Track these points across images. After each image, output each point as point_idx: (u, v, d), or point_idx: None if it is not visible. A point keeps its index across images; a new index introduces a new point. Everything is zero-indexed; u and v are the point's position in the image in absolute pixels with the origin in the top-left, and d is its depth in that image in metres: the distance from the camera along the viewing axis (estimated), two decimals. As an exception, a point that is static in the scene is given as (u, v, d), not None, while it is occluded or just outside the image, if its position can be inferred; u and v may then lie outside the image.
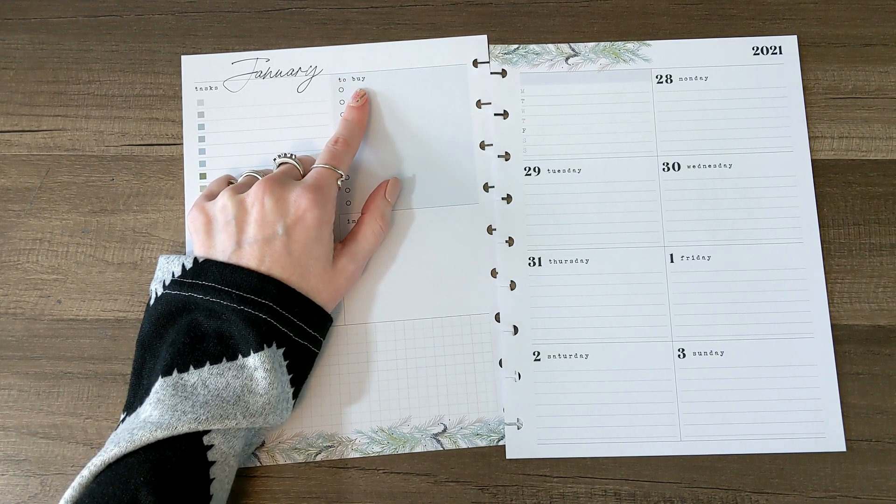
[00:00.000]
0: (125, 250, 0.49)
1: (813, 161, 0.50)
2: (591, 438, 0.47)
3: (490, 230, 0.49)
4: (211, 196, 0.46)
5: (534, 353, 0.48)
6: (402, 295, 0.49)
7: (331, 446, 0.47)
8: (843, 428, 0.46)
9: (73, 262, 0.49)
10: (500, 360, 0.48)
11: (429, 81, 0.51)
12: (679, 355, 0.47)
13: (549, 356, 0.48)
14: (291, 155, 0.47)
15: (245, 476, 0.46)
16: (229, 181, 0.48)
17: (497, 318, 0.48)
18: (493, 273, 0.49)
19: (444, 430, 0.47)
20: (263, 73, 0.51)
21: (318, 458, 0.46)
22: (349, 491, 0.46)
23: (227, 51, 0.52)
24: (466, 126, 0.51)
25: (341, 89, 0.51)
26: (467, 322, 0.48)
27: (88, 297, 0.49)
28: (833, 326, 0.48)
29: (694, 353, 0.47)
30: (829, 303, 0.48)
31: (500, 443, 0.47)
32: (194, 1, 0.53)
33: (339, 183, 0.46)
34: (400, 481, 0.46)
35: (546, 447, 0.47)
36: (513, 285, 0.49)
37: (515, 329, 0.48)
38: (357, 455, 0.47)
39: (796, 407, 0.47)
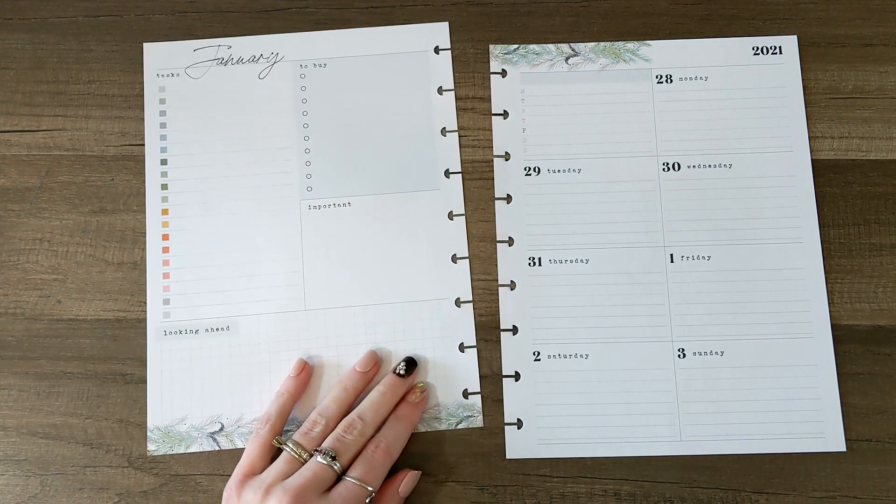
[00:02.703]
0: (125, 250, 0.49)
1: (813, 161, 0.50)
2: (591, 438, 0.47)
3: (451, 216, 0.49)
4: (252, 470, 0.43)
5: (534, 353, 0.48)
6: (362, 280, 0.49)
7: (289, 430, 0.46)
8: (843, 428, 0.46)
9: (73, 262, 0.49)
10: (461, 344, 0.48)
11: (390, 68, 0.51)
12: (679, 355, 0.47)
13: (549, 356, 0.48)
14: (330, 454, 0.41)
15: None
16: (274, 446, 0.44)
17: (457, 302, 0.48)
18: (454, 258, 0.49)
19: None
20: (225, 59, 0.51)
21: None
22: (349, 491, 0.46)
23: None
24: (428, 113, 0.51)
25: (303, 76, 0.51)
26: (427, 307, 0.48)
27: (88, 297, 0.49)
28: (833, 326, 0.48)
29: (694, 353, 0.47)
30: (829, 303, 0.48)
31: (460, 426, 0.47)
32: (194, 1, 0.53)
33: (367, 501, 0.41)
34: (400, 481, 0.46)
35: (546, 447, 0.47)
36: (513, 285, 0.49)
37: (515, 329, 0.48)
38: None
39: (796, 407, 0.47)
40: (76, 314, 0.49)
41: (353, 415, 0.44)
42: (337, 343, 0.48)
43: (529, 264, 0.49)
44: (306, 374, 0.47)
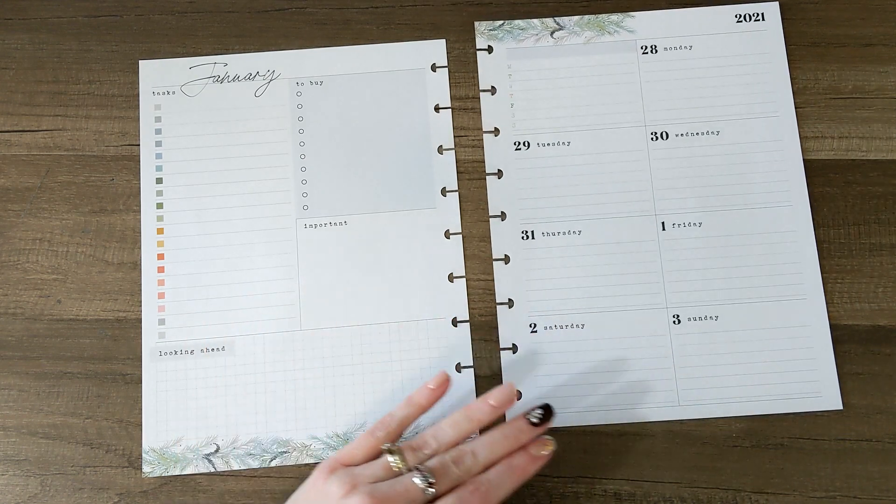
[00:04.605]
0: (125, 250, 0.49)
1: (813, 161, 0.50)
2: (591, 407, 0.47)
3: (448, 235, 0.49)
4: (350, 461, 0.41)
5: (530, 326, 0.48)
6: (358, 300, 0.49)
7: (286, 452, 0.47)
8: (839, 387, 0.47)
9: (73, 262, 0.49)
10: (458, 364, 0.48)
11: (387, 86, 0.51)
12: (674, 321, 0.48)
13: (546, 327, 0.48)
14: (429, 478, 0.39)
15: (243, 476, 0.46)
16: (376, 449, 0.42)
17: (454, 322, 0.48)
18: (451, 278, 0.49)
19: (400, 436, 0.47)
20: (221, 77, 0.51)
21: (273, 463, 0.46)
22: (349, 491, 0.46)
23: (226, 51, 0.52)
24: (424, 131, 0.51)
25: (299, 93, 0.51)
26: (424, 327, 0.48)
27: (88, 297, 0.49)
28: (833, 326, 0.48)
29: (689, 319, 0.48)
30: (828, 303, 0.48)
31: None
32: (194, 1, 0.53)
33: None
34: (400, 481, 0.46)
35: None
36: (507, 259, 0.49)
37: (511, 302, 0.48)
38: (312, 461, 0.46)
39: (792, 367, 0.47)
40: (76, 314, 0.49)
41: (466, 447, 0.41)
42: (333, 363, 0.48)
43: (522, 238, 0.49)
44: (443, 389, 0.44)
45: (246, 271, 0.49)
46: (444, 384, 0.44)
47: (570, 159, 0.50)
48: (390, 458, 0.40)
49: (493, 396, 0.42)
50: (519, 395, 0.47)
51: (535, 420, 0.42)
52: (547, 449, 0.42)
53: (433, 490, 0.39)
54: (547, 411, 0.42)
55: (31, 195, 0.50)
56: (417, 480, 0.39)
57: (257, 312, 0.48)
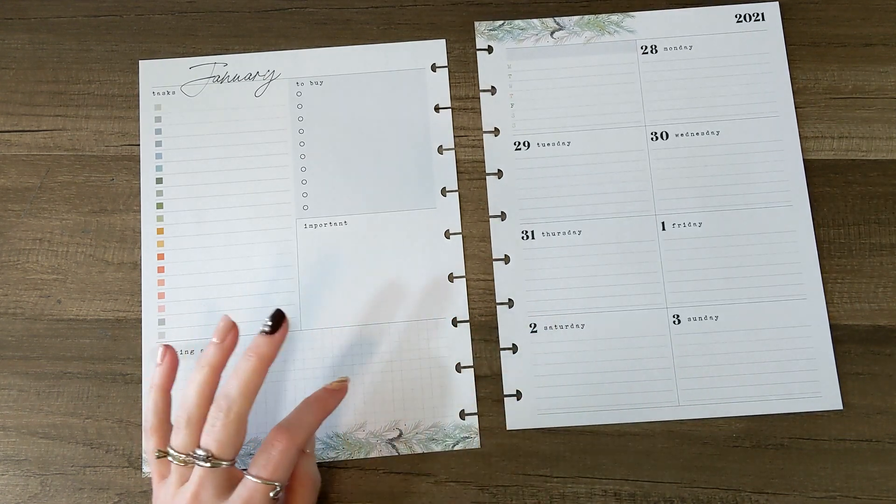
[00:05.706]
0: (125, 250, 0.49)
1: (813, 161, 0.50)
2: (591, 407, 0.47)
3: (448, 235, 0.49)
4: (160, 478, 0.40)
5: (530, 325, 0.48)
6: (358, 300, 0.49)
7: None
8: (839, 387, 0.47)
9: (73, 262, 0.49)
10: (458, 364, 0.48)
11: (387, 86, 0.51)
12: (674, 321, 0.48)
13: (546, 327, 0.48)
14: (203, 455, 0.37)
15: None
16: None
17: (454, 322, 0.48)
18: (451, 278, 0.49)
19: (400, 436, 0.47)
20: (221, 77, 0.51)
21: None
22: (349, 491, 0.46)
23: (226, 51, 0.52)
24: (424, 131, 0.51)
25: (299, 93, 0.51)
26: (424, 327, 0.48)
27: (88, 297, 0.49)
28: (833, 326, 0.48)
29: (689, 319, 0.48)
30: (828, 303, 0.48)
31: (457, 447, 0.47)
32: (194, 1, 0.53)
33: (272, 496, 0.37)
34: (400, 481, 0.46)
35: (546, 417, 0.47)
36: (507, 259, 0.49)
37: (511, 302, 0.48)
38: None
39: (792, 367, 0.47)
40: (76, 314, 0.49)
41: (217, 394, 0.38)
42: (332, 363, 0.48)
43: (522, 238, 0.49)
44: (171, 358, 0.42)
45: (246, 271, 0.49)
46: (170, 356, 0.42)
47: (570, 159, 0.50)
48: (172, 460, 0.39)
49: (214, 334, 0.40)
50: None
51: (266, 329, 0.40)
52: (342, 383, 0.42)
53: (223, 462, 0.37)
54: (276, 317, 0.40)
55: (31, 195, 0.50)
56: (201, 465, 0.37)
57: (257, 312, 0.48)
